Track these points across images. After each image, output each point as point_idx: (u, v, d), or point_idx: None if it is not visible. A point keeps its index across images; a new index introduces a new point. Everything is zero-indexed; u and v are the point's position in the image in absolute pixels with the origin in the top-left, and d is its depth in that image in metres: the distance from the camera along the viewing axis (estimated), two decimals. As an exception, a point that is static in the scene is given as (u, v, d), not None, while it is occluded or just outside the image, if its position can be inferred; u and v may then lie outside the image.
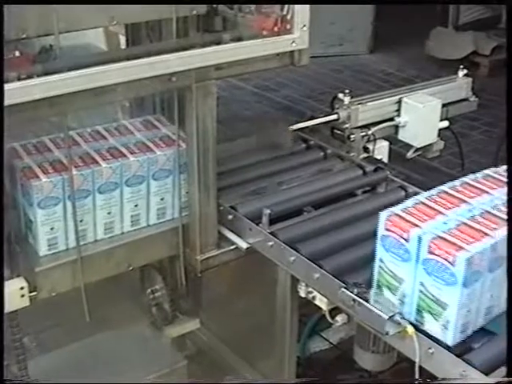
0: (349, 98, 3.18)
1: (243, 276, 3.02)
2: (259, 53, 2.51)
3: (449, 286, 1.93)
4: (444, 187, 2.24)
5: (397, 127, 3.30)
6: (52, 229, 2.44)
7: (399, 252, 2.03)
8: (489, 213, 2.07)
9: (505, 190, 2.19)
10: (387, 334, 2.03)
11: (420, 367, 2.01)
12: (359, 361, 2.72)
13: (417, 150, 3.39)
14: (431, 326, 2.01)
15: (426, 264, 1.96)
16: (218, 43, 2.50)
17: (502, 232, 1.97)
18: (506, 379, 1.90)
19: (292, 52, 2.59)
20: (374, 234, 2.50)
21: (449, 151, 3.66)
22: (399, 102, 3.28)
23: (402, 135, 3.30)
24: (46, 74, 2.11)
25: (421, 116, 3.23)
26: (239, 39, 2.54)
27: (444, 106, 3.34)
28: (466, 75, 3.55)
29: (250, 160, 3.04)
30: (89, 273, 2.51)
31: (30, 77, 2.09)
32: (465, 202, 2.15)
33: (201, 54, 2.39)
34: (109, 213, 2.55)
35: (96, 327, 2.75)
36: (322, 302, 2.37)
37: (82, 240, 2.50)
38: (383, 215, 2.08)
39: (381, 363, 2.70)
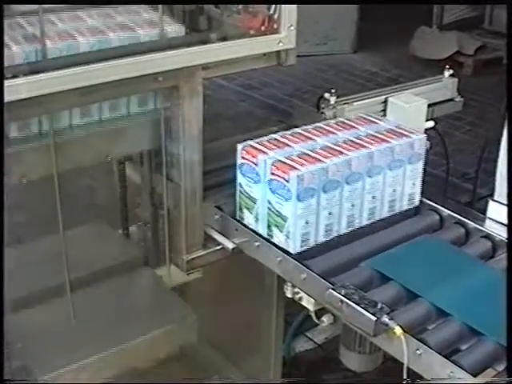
0: (335, 97, 3.16)
1: (229, 276, 3.01)
2: (246, 52, 2.51)
3: (287, 200, 2.33)
4: (298, 129, 2.63)
5: (382, 127, 3.29)
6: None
7: (252, 175, 2.43)
8: (328, 147, 2.48)
9: (349, 132, 2.64)
10: (375, 335, 2.03)
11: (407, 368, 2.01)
12: (345, 361, 2.73)
13: (402, 150, 3.38)
14: (278, 238, 2.41)
15: (271, 184, 2.37)
16: (205, 43, 2.49)
17: (335, 160, 2.39)
18: (494, 379, 1.91)
19: (279, 52, 2.59)
20: (361, 235, 2.54)
21: (432, 151, 3.65)
22: (385, 101, 3.27)
23: (388, 135, 3.30)
24: (32, 73, 2.09)
25: (407, 116, 3.21)
26: (226, 39, 2.53)
27: (430, 106, 3.33)
28: (451, 75, 3.55)
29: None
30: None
31: (15, 76, 2.07)
32: (311, 139, 2.54)
33: (187, 54, 2.38)
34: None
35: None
36: (308, 303, 2.37)
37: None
38: (239, 146, 2.47)
39: (367, 363, 2.71)
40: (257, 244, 2.49)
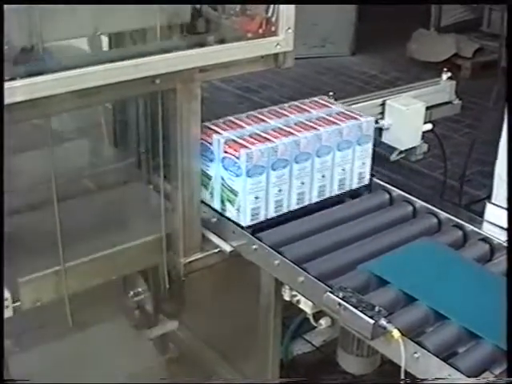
0: (333, 100, 3.17)
1: (227, 278, 3.01)
2: (244, 55, 2.50)
3: (238, 176, 2.50)
4: (253, 112, 2.81)
5: (380, 130, 3.30)
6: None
7: (207, 154, 2.58)
8: (280, 128, 2.65)
9: (301, 115, 2.81)
10: (373, 338, 2.02)
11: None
12: (343, 364, 2.72)
13: (400, 152, 3.39)
14: (230, 212, 2.58)
15: (223, 161, 2.53)
16: (203, 45, 2.48)
17: (285, 140, 2.55)
18: (494, 379, 1.91)
19: (277, 54, 2.58)
20: (358, 238, 2.54)
21: (430, 153, 3.66)
22: (383, 104, 3.28)
23: (386, 138, 3.30)
24: (29, 75, 2.09)
25: (405, 119, 3.23)
26: (224, 41, 2.53)
27: (428, 108, 3.34)
28: (449, 78, 3.56)
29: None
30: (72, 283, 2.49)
31: (12, 78, 2.07)
32: (264, 121, 2.72)
33: (185, 56, 2.38)
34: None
35: (77, 330, 2.73)
36: (306, 306, 2.37)
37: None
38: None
39: (365, 366, 2.70)
40: (254, 247, 2.49)
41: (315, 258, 2.40)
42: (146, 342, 3.01)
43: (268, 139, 2.56)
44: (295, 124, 2.71)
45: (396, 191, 2.81)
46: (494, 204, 2.65)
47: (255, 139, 2.56)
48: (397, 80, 7.20)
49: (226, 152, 2.52)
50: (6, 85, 2.01)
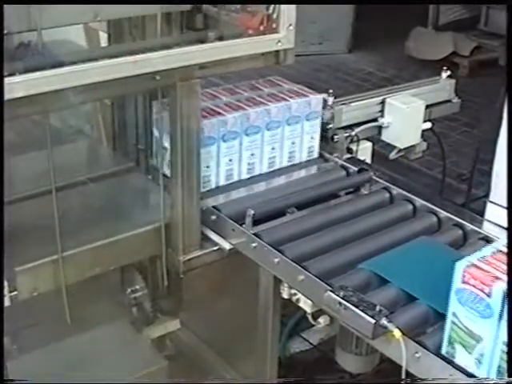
0: (332, 98, 3.16)
1: (225, 276, 3.00)
2: (244, 52, 2.49)
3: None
4: (208, 89, 2.90)
5: (380, 128, 3.29)
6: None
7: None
8: (231, 103, 2.81)
9: (253, 92, 2.94)
10: (373, 338, 2.01)
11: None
12: (341, 363, 2.71)
13: (400, 150, 3.38)
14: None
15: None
16: (203, 42, 2.47)
17: (235, 114, 2.75)
18: (494, 379, 1.89)
19: (277, 51, 2.57)
20: (358, 236, 2.53)
21: (428, 152, 3.65)
22: (383, 102, 3.27)
23: (386, 136, 3.29)
24: (29, 71, 2.07)
25: (404, 117, 3.22)
26: (224, 38, 2.51)
27: (427, 107, 3.33)
28: (449, 77, 3.55)
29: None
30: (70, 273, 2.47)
31: (11, 74, 2.05)
32: (217, 97, 2.87)
33: (185, 53, 2.36)
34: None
35: (75, 327, 2.71)
36: (306, 305, 2.36)
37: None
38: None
39: (363, 365, 2.69)
40: (254, 245, 2.48)
41: (315, 257, 2.39)
42: (145, 341, 2.99)
43: (219, 113, 2.75)
44: (246, 100, 2.90)
45: (396, 190, 2.80)
46: (493, 203, 2.64)
47: (207, 113, 2.71)
48: (394, 78, 7.20)
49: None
50: (7, 80, 2.00)
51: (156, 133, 2.77)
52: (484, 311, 1.86)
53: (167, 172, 2.65)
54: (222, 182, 2.83)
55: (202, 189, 2.69)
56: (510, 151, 2.46)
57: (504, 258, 1.91)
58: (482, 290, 1.85)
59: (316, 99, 2.97)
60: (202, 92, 2.69)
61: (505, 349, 1.83)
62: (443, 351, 1.98)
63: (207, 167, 2.73)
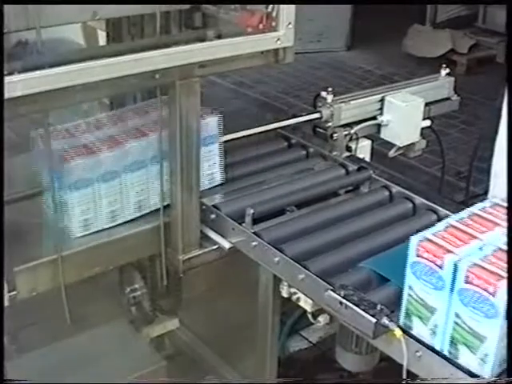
0: (331, 96, 3.15)
1: (224, 275, 2.99)
2: (243, 50, 2.49)
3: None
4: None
5: (379, 126, 3.28)
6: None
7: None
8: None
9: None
10: (374, 337, 2.01)
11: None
12: (341, 361, 2.70)
13: (399, 148, 3.37)
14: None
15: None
16: (202, 40, 2.47)
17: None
18: (494, 379, 1.89)
19: (277, 50, 2.56)
20: (358, 235, 2.52)
21: (427, 149, 3.65)
22: (382, 100, 3.26)
23: (385, 134, 3.28)
24: (27, 70, 2.06)
25: (404, 115, 3.21)
26: (223, 36, 2.51)
27: (426, 104, 3.33)
28: (448, 74, 3.54)
29: (232, 159, 3.01)
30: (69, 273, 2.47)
31: (10, 73, 2.04)
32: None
33: (185, 52, 2.36)
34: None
35: (74, 327, 2.71)
36: (306, 304, 2.35)
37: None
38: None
39: (363, 364, 2.68)
40: (253, 244, 2.47)
41: (315, 255, 2.38)
42: (144, 340, 2.99)
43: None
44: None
45: (396, 188, 2.80)
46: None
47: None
48: (392, 75, 7.19)
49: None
50: (6, 79, 1.99)
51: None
52: (437, 283, 1.93)
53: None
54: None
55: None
56: (510, 151, 2.46)
57: (456, 233, 2.00)
58: (434, 262, 1.92)
59: (213, 121, 2.72)
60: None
61: (458, 321, 1.88)
62: (400, 322, 2.02)
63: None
